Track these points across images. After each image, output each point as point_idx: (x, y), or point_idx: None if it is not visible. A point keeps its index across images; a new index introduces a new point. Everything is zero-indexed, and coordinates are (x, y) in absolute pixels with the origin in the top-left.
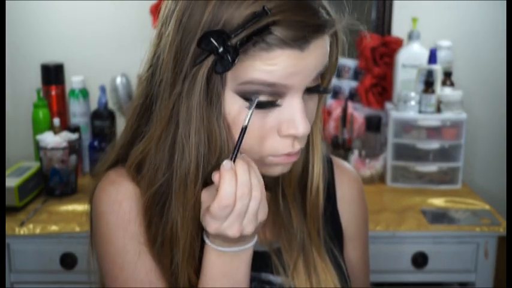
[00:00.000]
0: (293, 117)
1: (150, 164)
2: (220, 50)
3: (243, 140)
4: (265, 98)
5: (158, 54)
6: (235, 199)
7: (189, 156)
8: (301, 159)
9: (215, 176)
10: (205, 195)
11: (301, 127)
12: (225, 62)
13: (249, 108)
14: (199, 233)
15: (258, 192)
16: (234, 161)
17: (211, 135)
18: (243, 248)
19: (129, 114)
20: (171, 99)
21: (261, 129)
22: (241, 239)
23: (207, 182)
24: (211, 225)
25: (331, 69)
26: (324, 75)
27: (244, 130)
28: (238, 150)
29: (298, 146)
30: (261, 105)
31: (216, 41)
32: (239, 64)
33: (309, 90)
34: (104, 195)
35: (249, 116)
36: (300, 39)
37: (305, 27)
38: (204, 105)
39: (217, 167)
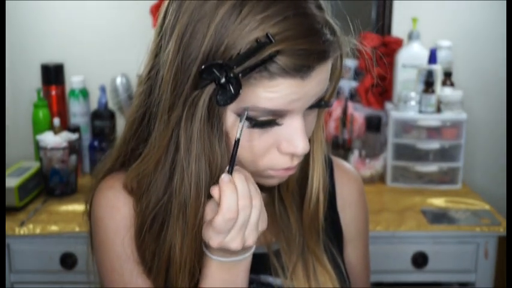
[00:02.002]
0: (293, 137)
1: (147, 186)
2: (222, 80)
3: (242, 155)
4: (267, 118)
5: (157, 69)
6: (238, 211)
7: (188, 184)
8: (298, 167)
9: (214, 191)
10: (209, 207)
11: (301, 147)
12: (227, 93)
13: (240, 120)
14: (199, 253)
15: (258, 200)
16: (231, 174)
17: (212, 160)
18: (243, 257)
19: (126, 128)
20: (170, 124)
21: (261, 146)
22: (242, 249)
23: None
24: (214, 240)
25: (334, 82)
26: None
27: (237, 143)
28: (234, 163)
29: (296, 161)
30: (260, 124)
31: (218, 72)
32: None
33: (311, 107)
34: (102, 200)
35: (240, 129)
36: (302, 69)
37: (308, 56)
38: (205, 130)
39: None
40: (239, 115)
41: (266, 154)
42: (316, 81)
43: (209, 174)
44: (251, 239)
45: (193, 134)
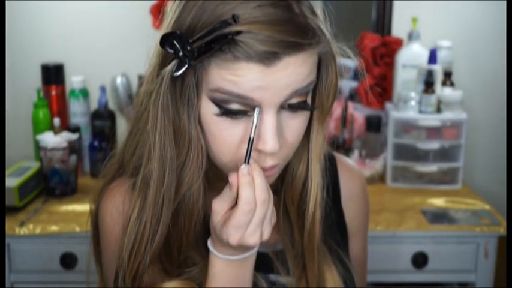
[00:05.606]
0: (262, 133)
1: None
2: (181, 53)
3: (216, 144)
4: (238, 107)
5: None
6: (256, 203)
7: (153, 157)
8: (297, 169)
9: (232, 177)
10: (217, 205)
11: (270, 144)
12: (182, 66)
13: (254, 117)
14: (165, 228)
15: (272, 195)
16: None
17: (178, 130)
18: (250, 253)
19: (125, 136)
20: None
21: (233, 137)
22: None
23: (179, 184)
24: (234, 236)
25: (331, 89)
26: (317, 93)
27: (251, 141)
28: (250, 156)
29: (270, 163)
30: (230, 113)
31: (178, 44)
32: (209, 70)
33: (291, 107)
34: (109, 205)
35: (253, 127)
36: (265, 55)
37: (273, 43)
38: (171, 102)
39: (186, 165)
40: (212, 100)
41: (240, 149)
42: (287, 73)
43: (174, 146)
44: (266, 233)
45: (159, 107)
